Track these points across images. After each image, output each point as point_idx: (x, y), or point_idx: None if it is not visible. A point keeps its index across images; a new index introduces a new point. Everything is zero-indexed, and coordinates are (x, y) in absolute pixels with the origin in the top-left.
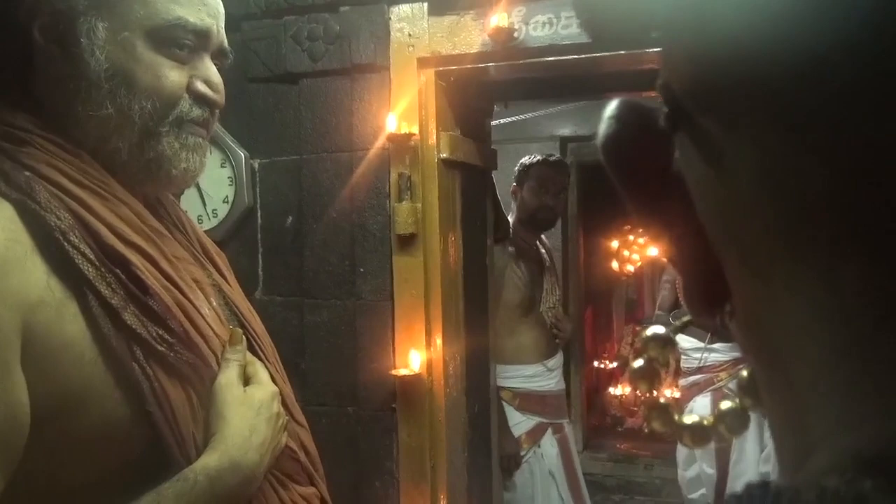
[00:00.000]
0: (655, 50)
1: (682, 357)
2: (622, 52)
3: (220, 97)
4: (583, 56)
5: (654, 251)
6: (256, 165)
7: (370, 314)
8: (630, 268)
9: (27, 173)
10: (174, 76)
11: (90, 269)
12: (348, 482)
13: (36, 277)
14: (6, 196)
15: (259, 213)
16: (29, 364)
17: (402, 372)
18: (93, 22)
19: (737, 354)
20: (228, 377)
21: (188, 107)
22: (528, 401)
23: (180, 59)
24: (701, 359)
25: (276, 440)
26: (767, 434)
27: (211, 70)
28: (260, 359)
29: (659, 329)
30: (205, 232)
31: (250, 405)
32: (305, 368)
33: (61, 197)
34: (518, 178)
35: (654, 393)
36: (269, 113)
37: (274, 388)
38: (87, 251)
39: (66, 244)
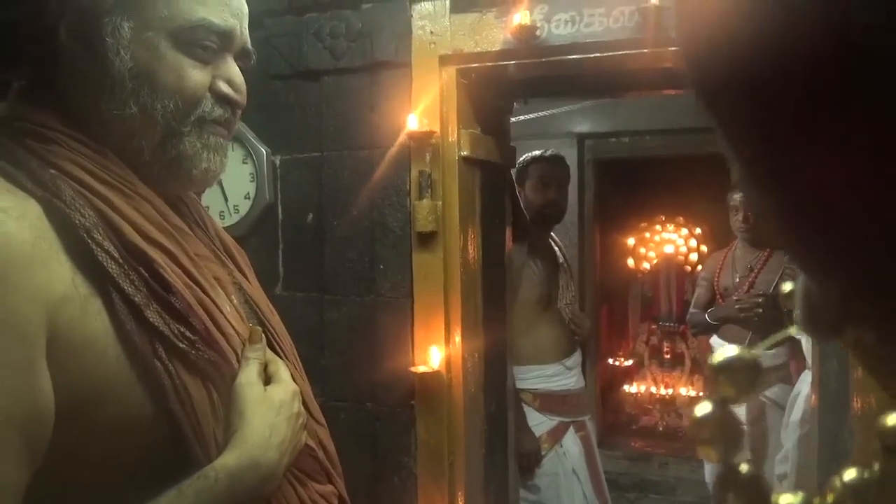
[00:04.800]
0: (674, 49)
1: None
2: (645, 50)
3: (241, 97)
4: (605, 54)
5: (669, 248)
6: (277, 162)
7: (390, 311)
8: (646, 265)
9: (52, 171)
10: (197, 76)
11: (114, 267)
12: (366, 478)
13: (61, 274)
14: (32, 193)
15: (280, 210)
16: (53, 360)
17: (421, 369)
18: (118, 21)
19: (776, 361)
20: (248, 375)
21: (210, 106)
22: (549, 401)
23: (203, 59)
24: None
25: (296, 439)
26: (784, 434)
27: (233, 70)
28: (279, 356)
29: (736, 352)
30: (226, 228)
31: (270, 404)
32: (325, 364)
33: (86, 194)
34: (518, 177)
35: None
36: (291, 110)
37: (294, 386)
38: (111, 249)
39: (90, 242)
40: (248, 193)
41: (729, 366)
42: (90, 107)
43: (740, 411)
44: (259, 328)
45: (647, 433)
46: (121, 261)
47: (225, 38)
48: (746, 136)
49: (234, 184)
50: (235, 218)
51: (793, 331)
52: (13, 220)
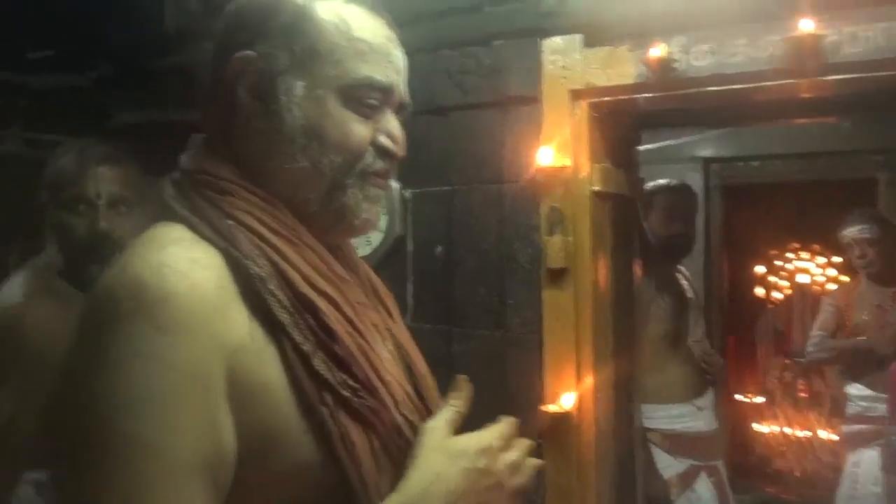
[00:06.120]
0: (829, 78)
1: (848, 403)
2: (792, 80)
3: (401, 150)
4: (749, 85)
5: (804, 278)
6: (408, 195)
7: (518, 347)
8: (777, 295)
9: (230, 222)
10: (361, 131)
11: (286, 316)
12: None
13: (239, 323)
14: (213, 243)
15: (410, 242)
16: (232, 405)
17: (550, 408)
18: (291, 81)
19: None
20: (437, 420)
21: (372, 159)
22: (679, 443)
23: (366, 114)
24: (868, 407)
25: (477, 498)
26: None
27: (393, 123)
28: (420, 398)
29: None
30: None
31: (447, 451)
32: None
33: (260, 245)
34: (642, 208)
35: None
36: (421, 144)
37: (487, 443)
38: (283, 298)
39: (265, 291)
40: (381, 226)
41: None
42: (263, 160)
43: (872, 456)
44: (465, 377)
45: (780, 478)
46: (291, 309)
47: (387, 93)
48: None
49: None
50: (368, 250)
51: None
52: (201, 271)
